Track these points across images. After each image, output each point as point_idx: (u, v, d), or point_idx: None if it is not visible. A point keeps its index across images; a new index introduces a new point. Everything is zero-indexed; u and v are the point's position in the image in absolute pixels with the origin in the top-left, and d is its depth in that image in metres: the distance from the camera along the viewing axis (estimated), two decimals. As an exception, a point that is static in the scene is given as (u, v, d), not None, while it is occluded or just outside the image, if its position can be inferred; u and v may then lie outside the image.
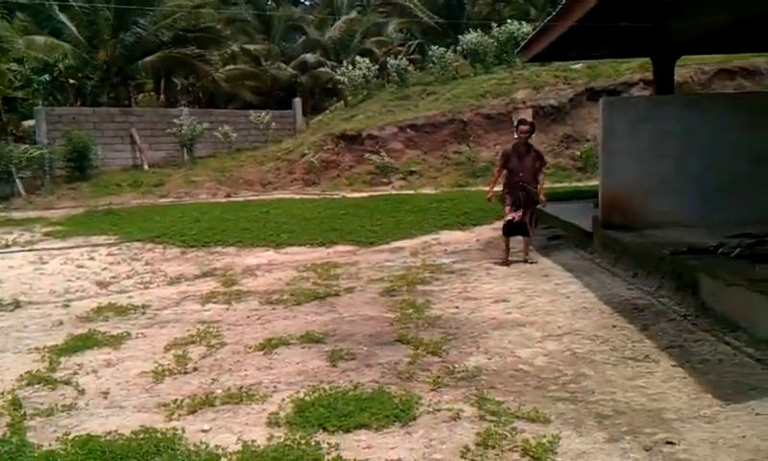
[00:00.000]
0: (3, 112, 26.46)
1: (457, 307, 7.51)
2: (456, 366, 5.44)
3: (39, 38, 26.94)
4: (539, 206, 10.42)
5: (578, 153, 20.85)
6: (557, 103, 22.33)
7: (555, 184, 17.41)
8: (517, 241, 10.18)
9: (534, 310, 7.20)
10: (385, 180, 21.54)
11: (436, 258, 10.84)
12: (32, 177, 22.48)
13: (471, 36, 27.17)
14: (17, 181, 21.55)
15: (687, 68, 21.69)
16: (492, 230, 12.55)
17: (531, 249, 10.35)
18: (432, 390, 4.97)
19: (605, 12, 8.95)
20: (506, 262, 9.87)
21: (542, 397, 4.78)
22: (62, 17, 27.87)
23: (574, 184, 18.45)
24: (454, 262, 10.42)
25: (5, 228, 15.54)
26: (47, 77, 28.25)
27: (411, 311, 7.31)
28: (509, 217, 9.93)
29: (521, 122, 10.38)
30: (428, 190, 19.38)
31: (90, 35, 28.09)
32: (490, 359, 5.64)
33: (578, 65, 23.69)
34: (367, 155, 22.12)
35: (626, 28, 10.57)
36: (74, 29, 27.94)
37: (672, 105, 10.58)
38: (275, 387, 5.21)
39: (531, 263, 9.85)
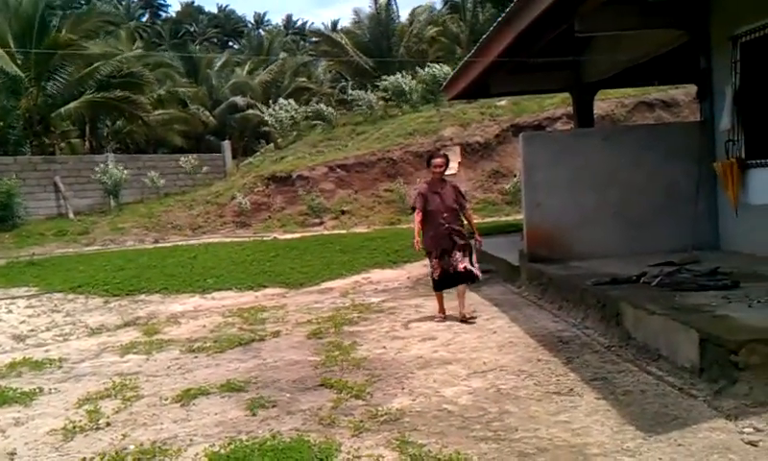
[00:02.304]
0: None
1: (384, 347, 7.40)
2: (379, 409, 5.31)
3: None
4: (474, 246, 8.64)
5: (506, 187, 21.14)
6: (483, 139, 22.70)
7: (485, 219, 17.59)
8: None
9: (460, 347, 7.14)
10: (317, 220, 21.44)
11: (365, 298, 10.76)
12: (-52, 229, 21.64)
13: (394, 78, 27.65)
14: (-68, 234, 20.68)
15: (608, 102, 22.35)
16: (422, 267, 12.52)
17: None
18: (353, 435, 4.82)
19: (522, 48, 9.11)
20: (442, 317, 8.61)
21: (465, 437, 4.67)
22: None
23: (504, 218, 18.67)
24: (383, 301, 10.35)
25: None
26: (-36, 127, 27.40)
27: (337, 354, 7.16)
28: (436, 271, 8.57)
29: (433, 156, 8.80)
30: (360, 229, 19.34)
31: (10, 83, 27.36)
32: (414, 400, 5.53)
33: (503, 102, 24.17)
34: (300, 195, 22.00)
35: (545, 64, 10.81)
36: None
37: (590, 138, 10.79)
38: (190, 440, 4.99)
39: (469, 318, 8.41)
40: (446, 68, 25.83)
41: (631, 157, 9.98)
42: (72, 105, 27.80)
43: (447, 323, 8.39)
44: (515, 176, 21.13)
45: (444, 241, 8.41)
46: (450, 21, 38.09)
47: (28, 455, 5.01)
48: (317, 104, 30.53)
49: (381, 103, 28.57)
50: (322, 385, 6.11)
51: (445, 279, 8.56)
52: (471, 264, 8.51)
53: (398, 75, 27.97)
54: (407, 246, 14.24)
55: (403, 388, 5.89)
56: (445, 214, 8.39)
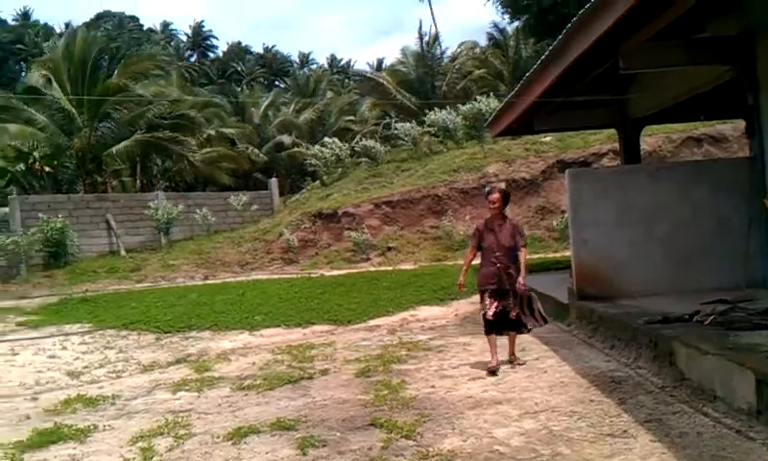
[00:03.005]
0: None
1: (433, 386, 7.38)
2: (430, 450, 5.30)
3: (12, 127, 27.10)
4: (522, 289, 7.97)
5: (554, 223, 21.00)
6: (529, 176, 22.64)
7: (532, 255, 17.42)
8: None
9: (511, 387, 7.09)
10: (363, 256, 21.52)
11: (413, 335, 10.75)
12: (7, 266, 22.25)
13: (440, 115, 27.77)
14: (-9, 271, 21.32)
15: (655, 137, 22.14)
16: (469, 304, 12.48)
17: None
18: (405, 477, 4.83)
19: (566, 86, 9.12)
20: (494, 368, 7.80)
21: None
22: (33, 111, 28.11)
23: (551, 255, 18.52)
24: (431, 339, 10.33)
25: (-24, 319, 15.27)
26: (22, 166, 28.31)
27: (386, 392, 7.17)
28: (489, 310, 8.00)
29: (490, 191, 8.28)
30: (407, 265, 19.37)
31: (64, 124, 28.30)
32: (465, 441, 5.51)
33: (548, 138, 24.11)
34: (346, 232, 22.16)
35: (590, 101, 10.78)
36: (45, 119, 28.16)
37: (637, 174, 10.72)
38: (242, 479, 5.05)
39: (518, 365, 8.03)
40: (493, 103, 25.84)
41: (678, 193, 9.87)
42: (123, 144, 28.58)
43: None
44: (562, 212, 21.00)
45: (496, 280, 7.94)
46: (493, 57, 38.25)
47: (84, 493, 5.11)
48: (363, 140, 30.76)
49: (426, 139, 28.71)
50: (371, 425, 6.11)
51: (498, 322, 8.00)
52: (528, 312, 7.98)
53: (443, 111, 28.10)
54: (454, 282, 14.17)
55: (454, 428, 5.87)
56: (498, 253, 7.96)
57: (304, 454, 5.48)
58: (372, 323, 12.30)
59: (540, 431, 5.63)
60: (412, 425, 5.92)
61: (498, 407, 6.40)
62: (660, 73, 10.20)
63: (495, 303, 7.98)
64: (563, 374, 7.48)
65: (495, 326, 8.03)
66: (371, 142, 29.71)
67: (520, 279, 7.90)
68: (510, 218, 8.40)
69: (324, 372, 8.60)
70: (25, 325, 14.31)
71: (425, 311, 12.97)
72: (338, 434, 5.95)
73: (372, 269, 19.22)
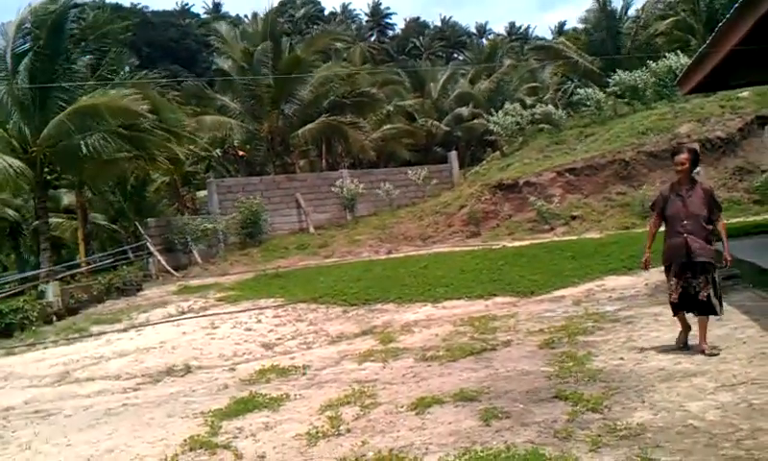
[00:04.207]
0: (180, 187, 28.60)
1: (621, 359, 7.07)
2: (618, 423, 5.08)
3: (207, 118, 29.06)
4: (722, 269, 7.09)
5: (754, 184, 19.43)
6: (725, 134, 21.02)
7: (730, 220, 16.25)
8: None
9: (706, 359, 6.63)
10: (546, 227, 21.03)
11: (599, 306, 10.34)
12: (207, 246, 23.94)
13: (624, 75, 26.41)
14: (194, 250, 23.02)
15: None
16: (660, 273, 11.69)
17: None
18: (591, 450, 4.65)
19: (765, 34, 8.32)
20: (683, 344, 7.12)
21: (713, 455, 4.34)
22: (226, 99, 29.97)
23: (751, 219, 17.15)
24: (619, 310, 9.90)
25: (182, 295, 16.57)
26: (218, 151, 30.31)
27: (571, 364, 6.96)
28: (674, 293, 7.05)
29: (676, 152, 7.33)
30: (592, 234, 18.71)
31: (253, 109, 29.93)
32: (656, 415, 5.22)
33: (745, 93, 22.24)
34: (531, 199, 21.71)
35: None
36: (237, 106, 29.92)
37: None
38: (426, 449, 5.09)
39: (709, 354, 6.73)
40: (684, 59, 24.23)
41: None
42: (308, 126, 29.78)
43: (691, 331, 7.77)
44: (762, 172, 19.40)
45: (682, 254, 6.88)
46: (683, 11, 35.79)
47: (276, 459, 5.36)
48: (545, 105, 29.99)
49: (610, 102, 27.46)
50: (556, 397, 5.96)
51: (684, 303, 7.04)
52: (714, 295, 6.86)
53: (630, 71, 26.73)
54: (643, 251, 13.59)
55: (643, 401, 5.59)
56: (686, 221, 6.86)
57: (487, 425, 5.44)
58: (557, 294, 11.96)
59: (738, 405, 5.23)
60: (599, 398, 5.71)
61: (692, 380, 6.01)
62: None
63: (680, 283, 6.96)
64: (764, 344, 6.89)
65: (681, 306, 7.09)
66: (551, 108, 28.88)
67: (725, 254, 6.85)
68: (700, 182, 7.37)
69: (507, 343, 8.51)
70: (224, 300, 15.33)
71: (613, 281, 12.42)
72: (521, 406, 5.85)
73: (556, 239, 18.73)
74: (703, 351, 6.81)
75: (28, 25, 20.38)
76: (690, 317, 7.16)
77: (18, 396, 9.24)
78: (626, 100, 27.63)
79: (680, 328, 7.27)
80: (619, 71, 27.09)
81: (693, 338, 7.08)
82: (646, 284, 11.68)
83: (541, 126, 29.61)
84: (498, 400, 6.06)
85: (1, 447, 6.78)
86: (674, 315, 7.22)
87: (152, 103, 20.73)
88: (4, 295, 17.75)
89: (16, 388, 9.85)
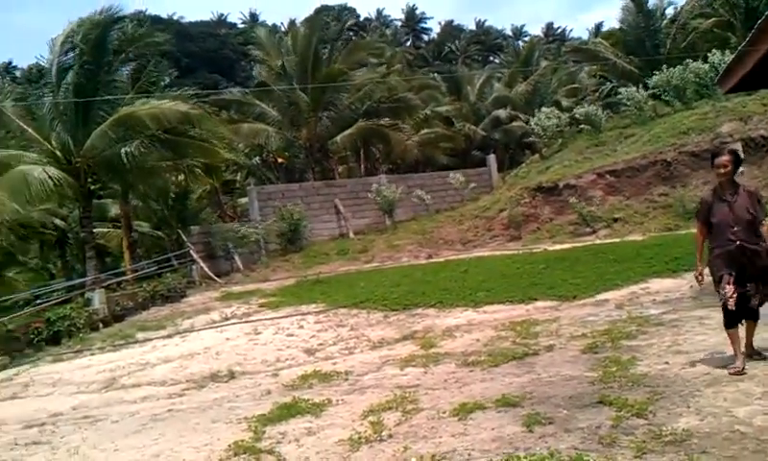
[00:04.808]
0: (221, 195, 29.00)
1: (666, 363, 6.98)
2: (663, 429, 5.02)
3: (244, 126, 29.45)
4: None
5: (801, 183, 19.02)
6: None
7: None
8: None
9: (754, 363, 6.51)
10: (588, 229, 20.83)
11: (643, 310, 10.22)
12: (248, 252, 24.20)
13: (665, 74, 26.02)
14: (236, 257, 23.29)
15: None
16: (707, 276, 11.63)
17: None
18: (636, 457, 4.61)
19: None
20: (740, 370, 6.28)
21: (763, 463, 4.27)
22: (265, 106, 30.30)
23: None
24: (663, 313, 9.77)
25: (225, 302, 16.76)
26: (258, 159, 30.64)
27: (615, 369, 6.89)
28: (729, 300, 6.39)
29: (716, 154, 6.82)
30: (635, 237, 18.47)
31: (291, 116, 30.22)
32: (702, 420, 5.15)
33: (789, 90, 21.78)
34: (572, 201, 21.51)
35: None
36: (275, 113, 30.23)
37: None
38: (469, 455, 5.09)
39: (759, 359, 6.56)
40: (724, 57, 23.81)
41: None
42: (346, 132, 29.97)
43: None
44: (809, 170, 18.99)
45: (736, 261, 6.41)
46: (721, 7, 35.17)
47: (319, 464, 5.42)
48: (583, 107, 29.68)
49: (650, 102, 27.10)
50: (600, 402, 5.91)
51: (740, 312, 6.47)
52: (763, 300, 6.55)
53: (669, 70, 26.34)
54: (688, 252, 13.33)
55: (689, 407, 5.51)
56: (735, 228, 6.42)
57: (530, 431, 5.41)
58: (599, 297, 11.84)
59: (788, 411, 5.14)
60: (643, 403, 5.65)
61: (739, 384, 5.92)
62: None
63: (738, 289, 6.40)
64: (815, 348, 6.75)
65: (738, 317, 6.50)
66: (591, 108, 28.59)
67: None
68: (743, 185, 6.83)
69: (550, 348, 8.46)
70: (266, 306, 15.46)
71: (657, 284, 12.25)
72: (565, 411, 5.82)
73: (598, 242, 18.53)
74: (750, 355, 6.60)
75: (73, 40, 20.82)
76: None
77: (66, 402, 9.45)
78: (667, 98, 27.24)
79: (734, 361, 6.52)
80: (659, 71, 26.72)
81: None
82: (691, 287, 11.48)
83: (581, 127, 29.34)
84: (541, 406, 6.02)
85: (50, 451, 6.95)
86: (728, 328, 6.57)
87: (189, 113, 21.05)
88: (52, 303, 18.15)
89: (64, 394, 10.08)
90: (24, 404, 9.81)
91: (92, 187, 21.41)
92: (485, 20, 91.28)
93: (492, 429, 5.60)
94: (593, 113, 27.89)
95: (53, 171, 18.87)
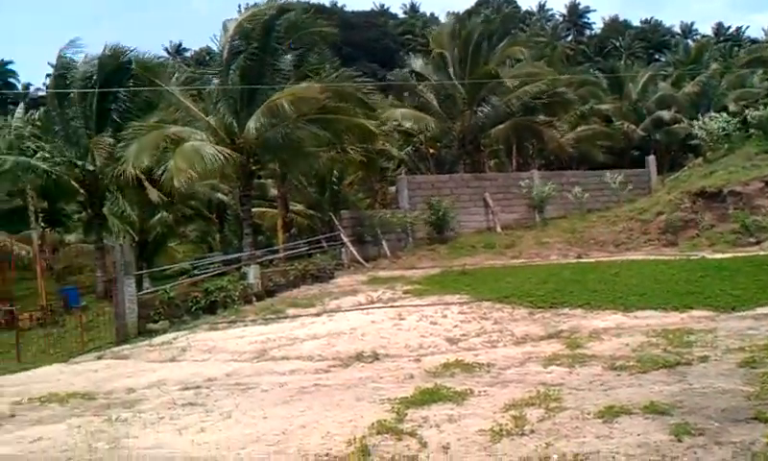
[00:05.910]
0: (375, 182, 29.66)
1: (832, 384, 6.55)
2: (826, 452, 4.74)
3: (406, 111, 29.80)
4: None
5: None
6: None
7: None
8: None
9: None
10: (752, 239, 19.63)
11: (811, 327, 9.59)
12: (396, 239, 24.59)
13: None
14: (383, 243, 23.74)
15: None
16: None
17: None
18: (792, 477, 4.39)
19: None
20: None
21: None
22: (429, 96, 30.62)
23: None
24: (834, 332, 9.13)
25: (372, 285, 17.15)
26: (410, 149, 31.00)
27: (774, 386, 6.55)
28: None
29: None
30: (807, 250, 17.26)
31: (448, 108, 30.34)
32: None
33: None
34: (731, 212, 20.38)
35: None
36: (436, 103, 30.45)
37: None
38: (613, 458, 5.03)
39: None
40: None
41: None
42: (499, 127, 29.73)
43: None
44: None
45: None
46: None
47: (460, 451, 5.51)
48: (757, 110, 27.86)
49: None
50: (755, 418, 5.65)
51: None
52: None
53: None
54: None
55: None
56: None
57: (679, 441, 5.26)
58: (760, 311, 11.18)
59: None
60: (804, 424, 5.35)
61: None
62: None
63: None
64: None
65: None
66: (766, 111, 26.80)
67: None
68: None
69: (704, 359, 8.12)
70: (410, 293, 15.71)
71: (827, 299, 11.46)
72: (716, 424, 5.61)
73: (762, 253, 17.43)
74: None
75: (245, 24, 21.81)
76: None
77: (221, 368, 10.08)
78: None
79: None
80: None
81: None
82: None
83: (750, 132, 27.62)
84: (691, 416, 5.83)
85: (205, 413, 7.44)
86: None
87: (349, 97, 21.55)
88: (209, 275, 19.25)
89: (219, 361, 10.75)
90: (182, 367, 10.55)
91: (253, 168, 22.37)
92: (651, 17, 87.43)
93: (638, 435, 5.48)
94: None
95: (221, 148, 19.86)
